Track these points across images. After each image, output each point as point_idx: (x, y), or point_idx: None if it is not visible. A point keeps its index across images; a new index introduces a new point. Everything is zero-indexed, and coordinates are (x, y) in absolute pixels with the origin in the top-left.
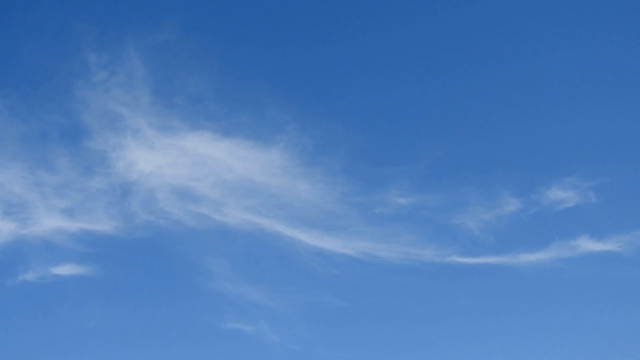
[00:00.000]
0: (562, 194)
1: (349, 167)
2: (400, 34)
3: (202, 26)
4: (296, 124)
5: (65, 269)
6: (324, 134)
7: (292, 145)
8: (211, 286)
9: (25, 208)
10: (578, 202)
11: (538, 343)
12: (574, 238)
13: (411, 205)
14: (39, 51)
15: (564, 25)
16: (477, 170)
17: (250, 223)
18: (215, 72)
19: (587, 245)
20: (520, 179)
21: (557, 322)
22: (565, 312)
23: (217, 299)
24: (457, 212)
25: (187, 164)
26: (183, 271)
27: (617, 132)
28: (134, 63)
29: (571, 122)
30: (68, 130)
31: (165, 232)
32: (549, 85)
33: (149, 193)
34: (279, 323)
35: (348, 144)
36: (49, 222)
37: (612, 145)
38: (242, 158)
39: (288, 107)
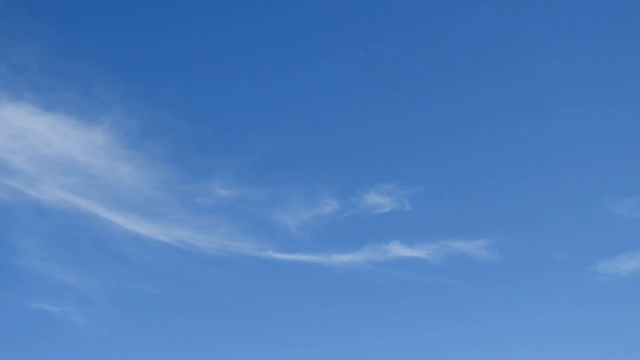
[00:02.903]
0: (379, 199)
1: (174, 155)
2: (235, 26)
3: None
4: (123, 106)
5: None
6: (151, 118)
7: (117, 127)
8: (19, 263)
9: None
10: (393, 209)
11: (345, 339)
12: (386, 242)
13: (233, 197)
14: None
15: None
16: (300, 169)
17: (66, 202)
18: (43, 44)
19: (398, 250)
20: (340, 182)
21: (364, 321)
22: (373, 312)
23: (24, 277)
24: (277, 208)
25: (4, 135)
26: None
27: (435, 144)
28: None
29: (392, 130)
30: None
31: None
32: (380, 91)
33: None
34: (88, 306)
35: (175, 132)
36: None
37: (430, 156)
38: (64, 135)
39: (116, 87)
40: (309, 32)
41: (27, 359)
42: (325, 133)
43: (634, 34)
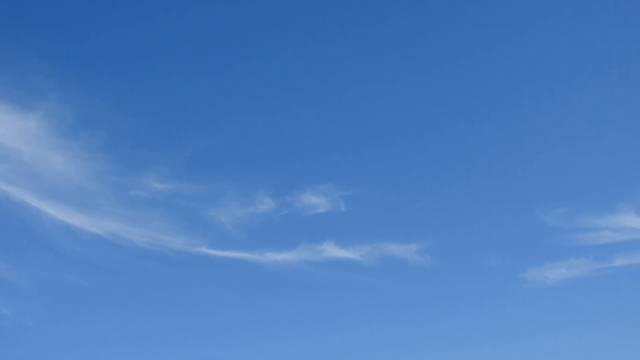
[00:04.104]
0: (314, 200)
1: (109, 146)
2: (175, 20)
3: None
4: (59, 94)
5: None
6: (87, 108)
7: (51, 115)
8: None
9: None
10: (328, 209)
11: (276, 338)
12: (320, 243)
13: (168, 191)
14: None
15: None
16: (237, 166)
17: None
18: None
19: (332, 251)
20: (277, 180)
21: (297, 320)
22: (306, 311)
23: None
24: (212, 204)
25: None
26: None
27: (373, 146)
28: None
29: (330, 131)
30: None
31: None
32: (319, 91)
33: None
34: (14, 296)
35: (111, 123)
36: None
37: (367, 158)
38: None
39: (53, 75)
40: (248, 30)
41: None
42: (264, 131)
43: (551, 37)
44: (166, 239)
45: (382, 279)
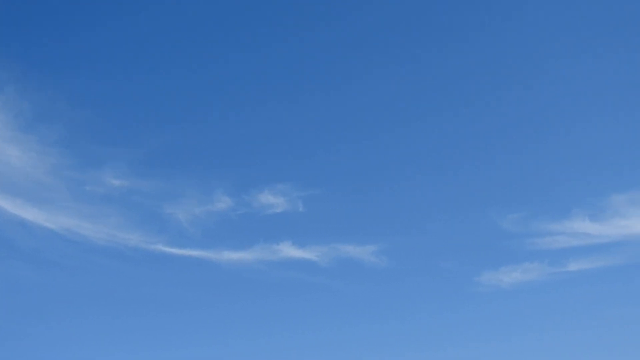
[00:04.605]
0: (272, 199)
1: (66, 141)
2: (134, 18)
3: None
4: (17, 86)
5: None
6: (45, 102)
7: (8, 108)
8: None
9: None
10: (286, 209)
11: (231, 337)
12: (277, 242)
13: (124, 188)
14: None
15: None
16: (195, 164)
17: None
18: None
19: (289, 250)
20: (235, 179)
21: (252, 319)
22: (261, 310)
23: None
24: (169, 202)
25: None
26: None
27: (333, 147)
28: None
29: (289, 131)
30: None
31: None
32: (279, 90)
33: None
34: None
35: (68, 117)
36: None
37: (326, 159)
38: None
39: (10, 68)
40: (207, 30)
41: None
42: (222, 130)
43: (505, 36)
44: (122, 235)
45: (338, 279)
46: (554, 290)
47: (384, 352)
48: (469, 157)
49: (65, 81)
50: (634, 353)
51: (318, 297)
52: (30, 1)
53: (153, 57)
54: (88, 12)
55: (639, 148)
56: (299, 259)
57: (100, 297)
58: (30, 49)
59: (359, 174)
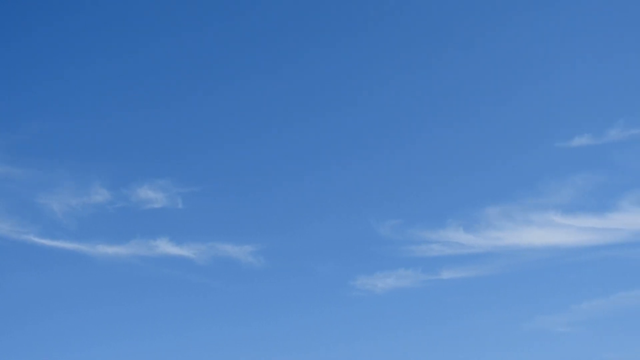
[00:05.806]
0: (152, 194)
1: None
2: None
3: None
4: None
5: None
6: None
7: None
8: None
9: None
10: (165, 205)
11: (102, 334)
12: (154, 238)
13: None
14: None
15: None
16: (73, 155)
17: None
18: None
19: (166, 247)
20: (114, 172)
21: (124, 316)
22: (135, 307)
23: None
24: (44, 191)
25: None
26: None
27: (218, 145)
28: None
29: (173, 127)
30: None
31: None
32: (169, 87)
33: None
34: None
35: None
36: None
37: (209, 157)
38: None
39: None
40: (92, 26)
41: None
42: (104, 121)
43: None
44: None
45: (215, 278)
46: (426, 297)
47: (258, 351)
48: (349, 161)
49: None
50: (500, 358)
51: (194, 295)
52: None
53: (33, 43)
54: None
55: (513, 163)
56: (176, 256)
57: None
58: None
59: (241, 173)
